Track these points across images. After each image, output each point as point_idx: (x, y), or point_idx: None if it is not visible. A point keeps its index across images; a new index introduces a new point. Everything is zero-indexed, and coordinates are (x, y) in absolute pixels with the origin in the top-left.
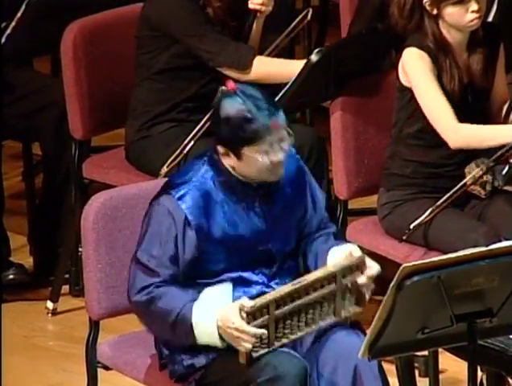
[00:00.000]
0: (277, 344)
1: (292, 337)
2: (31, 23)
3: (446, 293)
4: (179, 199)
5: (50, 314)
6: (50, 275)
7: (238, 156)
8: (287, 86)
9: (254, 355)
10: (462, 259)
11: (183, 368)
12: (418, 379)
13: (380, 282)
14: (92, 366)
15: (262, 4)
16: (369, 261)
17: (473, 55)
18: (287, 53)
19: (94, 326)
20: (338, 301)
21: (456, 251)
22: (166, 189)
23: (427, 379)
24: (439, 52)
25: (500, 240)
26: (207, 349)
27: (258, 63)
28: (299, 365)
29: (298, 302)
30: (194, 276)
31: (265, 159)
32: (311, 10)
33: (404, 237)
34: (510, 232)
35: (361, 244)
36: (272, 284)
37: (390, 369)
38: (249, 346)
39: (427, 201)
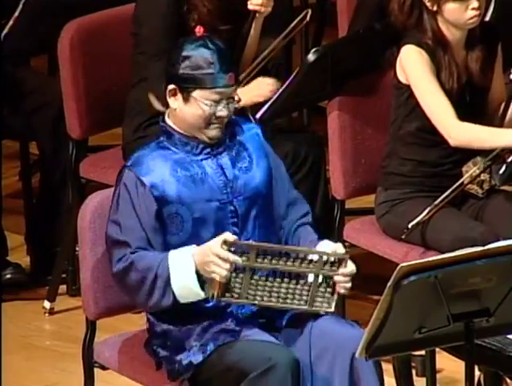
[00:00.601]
0: (246, 301)
1: (262, 303)
2: (28, 23)
3: (443, 293)
4: (131, 165)
5: (47, 314)
6: (47, 274)
7: (186, 98)
8: (284, 86)
9: (223, 298)
10: (459, 258)
11: (182, 368)
12: (415, 378)
13: (377, 282)
14: (89, 365)
15: (261, 5)
16: (349, 262)
17: (471, 54)
18: (285, 53)
19: (91, 325)
20: (313, 290)
21: (453, 250)
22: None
23: (424, 379)
24: (437, 49)
25: (498, 240)
26: (202, 344)
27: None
28: (290, 356)
29: (276, 266)
30: (163, 243)
31: (211, 108)
32: (310, 11)
33: (403, 236)
34: (508, 232)
35: (358, 243)
36: None
37: (388, 368)
38: (225, 273)
39: (425, 200)
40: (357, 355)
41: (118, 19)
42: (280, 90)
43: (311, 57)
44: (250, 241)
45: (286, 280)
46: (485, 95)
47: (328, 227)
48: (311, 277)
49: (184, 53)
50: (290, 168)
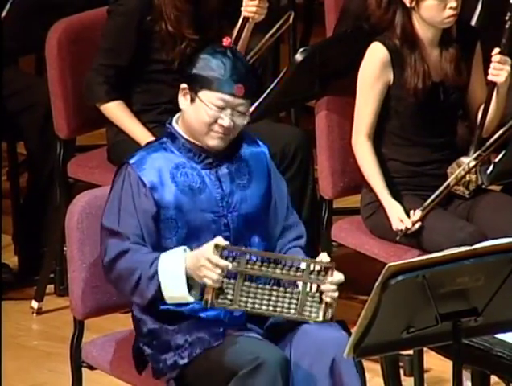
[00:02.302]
0: (238, 307)
1: (254, 310)
2: (16, 23)
3: (431, 293)
4: (134, 163)
5: (35, 314)
6: (35, 274)
7: (193, 98)
8: (272, 85)
9: (217, 303)
10: (447, 258)
11: (166, 367)
12: (403, 378)
13: (365, 281)
14: (77, 365)
15: (255, 12)
16: (336, 272)
17: (445, 53)
18: (272, 53)
19: (79, 325)
20: (301, 299)
21: (442, 251)
22: (125, 160)
23: (412, 379)
24: (404, 48)
25: (486, 240)
26: (189, 345)
27: (103, 108)
28: (279, 354)
29: (267, 272)
30: (156, 245)
31: (213, 112)
32: (293, 13)
33: (398, 238)
34: (497, 231)
35: (346, 243)
36: None
37: (375, 368)
38: (216, 277)
39: (411, 198)
40: (344, 355)
41: (106, 19)
42: (268, 89)
43: (299, 57)
44: (239, 247)
45: (275, 287)
46: (462, 95)
47: (316, 227)
48: (299, 286)
49: (202, 55)
50: (278, 168)
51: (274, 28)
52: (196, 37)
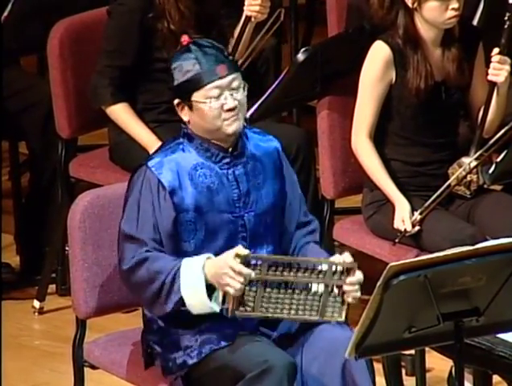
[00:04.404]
0: (259, 314)
1: (275, 315)
2: (18, 22)
3: (433, 292)
4: (153, 166)
5: (37, 313)
6: (37, 274)
7: (190, 106)
8: (274, 85)
9: (239, 312)
10: (449, 258)
11: (175, 366)
12: (405, 377)
13: (367, 281)
14: (79, 365)
15: (258, 12)
16: (357, 271)
17: (448, 53)
18: (274, 52)
19: (81, 325)
20: (323, 301)
21: (443, 251)
22: (142, 161)
23: (413, 378)
24: (406, 48)
25: (486, 241)
26: (198, 346)
27: (108, 111)
28: (287, 359)
29: (288, 277)
30: (175, 249)
31: (214, 103)
32: (283, 11)
33: (397, 240)
34: (498, 231)
35: (347, 243)
36: None
37: (377, 368)
38: (239, 285)
39: (412, 199)
40: (346, 354)
41: (106, 20)
42: (270, 89)
43: (300, 56)
44: (262, 254)
45: (297, 291)
46: (463, 95)
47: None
48: (321, 288)
49: (173, 65)
50: None
51: (266, 27)
52: (197, 36)
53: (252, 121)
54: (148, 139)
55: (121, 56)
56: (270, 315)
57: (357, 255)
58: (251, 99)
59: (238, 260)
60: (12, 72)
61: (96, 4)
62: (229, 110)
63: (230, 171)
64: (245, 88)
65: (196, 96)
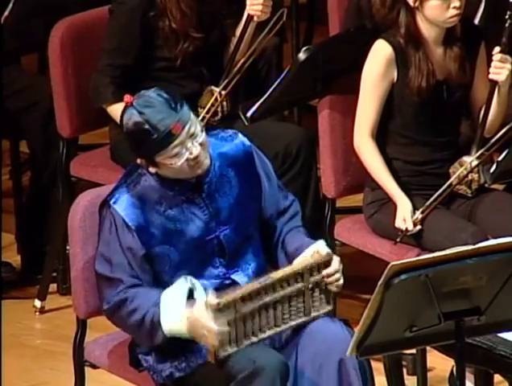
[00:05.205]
0: (246, 343)
1: (261, 336)
2: (19, 21)
3: (434, 292)
4: (115, 203)
5: (37, 313)
6: (37, 273)
7: (155, 164)
8: (275, 84)
9: (223, 353)
10: (450, 257)
11: (162, 378)
12: (406, 377)
13: (368, 280)
14: (80, 364)
15: (261, 11)
16: (335, 258)
17: (450, 52)
18: (275, 51)
19: (82, 324)
20: (307, 300)
21: (444, 250)
22: (105, 197)
23: (415, 378)
24: (408, 47)
25: (487, 240)
26: (186, 357)
27: (109, 109)
28: (278, 359)
29: (265, 300)
30: (152, 280)
31: (178, 162)
32: (285, 10)
33: (398, 239)
34: (500, 230)
35: (348, 242)
36: (232, 275)
37: (378, 367)
38: (216, 343)
39: (413, 198)
40: (347, 353)
41: (108, 19)
42: (271, 88)
43: (301, 56)
44: (232, 294)
45: (278, 304)
46: (465, 94)
47: (319, 226)
48: (300, 290)
49: (126, 130)
50: (281, 166)
51: (269, 26)
52: (199, 35)
53: (253, 120)
54: None
55: (123, 55)
56: (256, 339)
57: (358, 254)
58: (252, 98)
59: (210, 312)
60: (13, 72)
61: (97, 3)
62: (194, 158)
63: (196, 195)
64: (201, 125)
65: (160, 158)
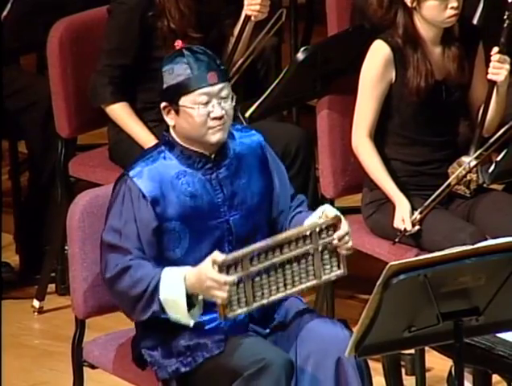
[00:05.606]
0: (255, 305)
1: (272, 298)
2: (18, 22)
3: (432, 292)
4: (134, 176)
5: (36, 313)
6: (36, 273)
7: (177, 110)
8: (273, 84)
9: (231, 313)
10: (448, 257)
11: (167, 373)
12: (404, 377)
13: (367, 281)
14: (79, 364)
15: (258, 11)
16: (343, 220)
17: (448, 52)
18: (275, 52)
19: (80, 324)
20: (317, 262)
21: (442, 250)
22: (124, 171)
23: (413, 378)
24: (406, 47)
25: (486, 241)
26: (192, 352)
27: (108, 109)
28: (284, 357)
29: (273, 260)
30: (157, 258)
31: (201, 110)
32: (284, 11)
33: (397, 239)
34: (498, 231)
35: None
36: None
37: (377, 367)
38: (225, 295)
39: (412, 198)
40: (346, 354)
41: (107, 19)
42: (270, 89)
43: (300, 56)
44: (238, 252)
45: (286, 265)
46: (464, 93)
47: None
48: (310, 250)
49: (164, 68)
50: None
51: (268, 27)
52: (198, 35)
53: (252, 121)
54: (147, 138)
55: (121, 55)
56: (265, 302)
57: (357, 254)
58: (251, 98)
59: (216, 268)
60: (12, 72)
61: (96, 3)
62: (216, 118)
63: (214, 176)
64: (234, 99)
65: (184, 101)
